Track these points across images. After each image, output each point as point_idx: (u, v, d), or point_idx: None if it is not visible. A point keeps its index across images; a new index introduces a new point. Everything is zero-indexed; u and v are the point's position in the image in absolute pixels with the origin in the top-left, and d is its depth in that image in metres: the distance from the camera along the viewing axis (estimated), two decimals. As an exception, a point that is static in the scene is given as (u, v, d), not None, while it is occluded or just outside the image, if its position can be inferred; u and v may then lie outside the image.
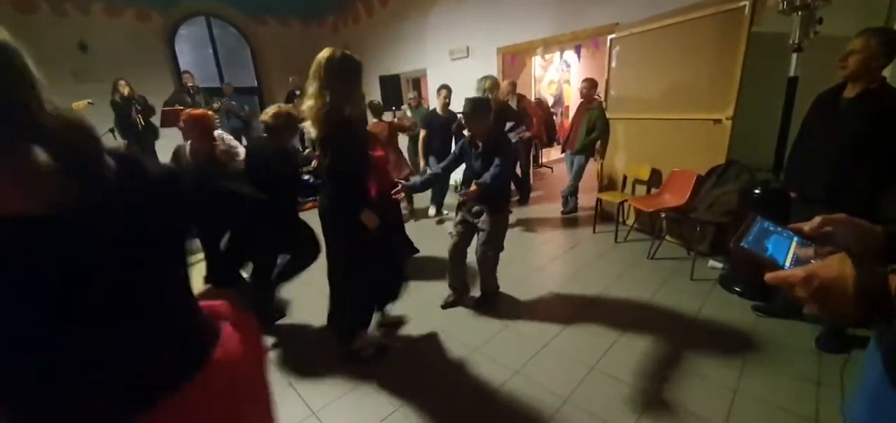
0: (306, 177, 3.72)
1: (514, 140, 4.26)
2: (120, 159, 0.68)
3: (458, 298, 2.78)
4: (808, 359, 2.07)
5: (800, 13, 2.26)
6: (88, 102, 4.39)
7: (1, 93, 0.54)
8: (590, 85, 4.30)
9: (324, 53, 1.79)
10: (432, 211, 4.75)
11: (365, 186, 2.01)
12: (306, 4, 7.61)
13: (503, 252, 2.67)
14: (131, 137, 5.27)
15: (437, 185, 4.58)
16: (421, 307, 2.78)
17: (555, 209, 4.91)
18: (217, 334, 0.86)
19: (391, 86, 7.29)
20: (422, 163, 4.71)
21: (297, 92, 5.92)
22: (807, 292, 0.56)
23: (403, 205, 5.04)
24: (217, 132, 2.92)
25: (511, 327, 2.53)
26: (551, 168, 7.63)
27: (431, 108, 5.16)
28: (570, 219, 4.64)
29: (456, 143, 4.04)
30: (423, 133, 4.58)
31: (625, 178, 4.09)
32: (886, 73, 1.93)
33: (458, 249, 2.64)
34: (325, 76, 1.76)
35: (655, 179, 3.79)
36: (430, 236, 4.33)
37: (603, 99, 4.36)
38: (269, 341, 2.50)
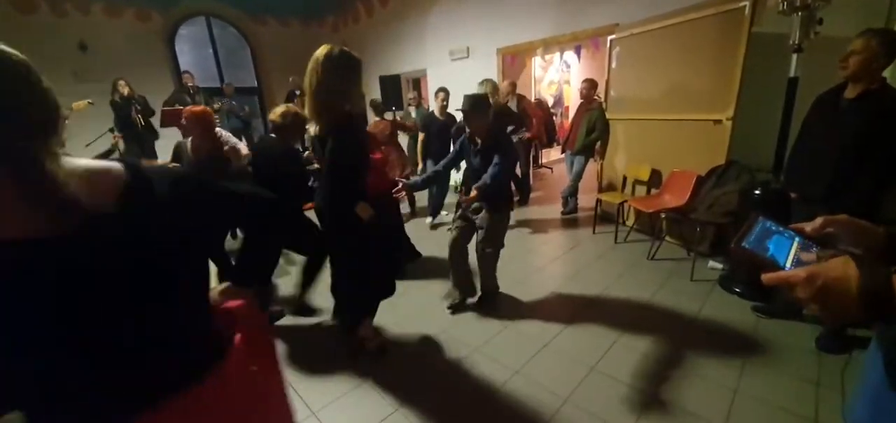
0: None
1: (513, 141, 4.25)
2: (127, 176, 0.68)
3: (464, 298, 2.77)
4: (808, 360, 2.07)
5: (800, 14, 2.26)
6: (88, 103, 4.38)
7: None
8: (590, 85, 4.30)
9: (321, 50, 1.78)
10: (429, 220, 4.61)
11: (363, 182, 2.01)
12: (306, 4, 7.61)
13: (504, 251, 2.67)
14: (131, 137, 5.27)
15: (438, 183, 4.58)
16: (421, 307, 2.78)
17: (555, 210, 4.91)
18: (230, 338, 0.87)
19: (391, 86, 7.29)
20: (420, 165, 4.70)
21: (297, 92, 5.92)
22: (810, 293, 0.56)
23: (404, 205, 5.05)
24: (216, 130, 2.92)
25: (511, 327, 2.53)
26: (551, 169, 7.63)
27: (430, 110, 5.15)
28: (569, 219, 4.64)
29: (455, 144, 4.04)
30: (421, 136, 4.57)
31: (625, 178, 4.09)
32: (887, 73, 1.93)
33: (458, 244, 2.63)
34: (323, 72, 1.75)
35: (655, 179, 3.79)
36: (430, 236, 4.33)
37: (603, 99, 4.36)
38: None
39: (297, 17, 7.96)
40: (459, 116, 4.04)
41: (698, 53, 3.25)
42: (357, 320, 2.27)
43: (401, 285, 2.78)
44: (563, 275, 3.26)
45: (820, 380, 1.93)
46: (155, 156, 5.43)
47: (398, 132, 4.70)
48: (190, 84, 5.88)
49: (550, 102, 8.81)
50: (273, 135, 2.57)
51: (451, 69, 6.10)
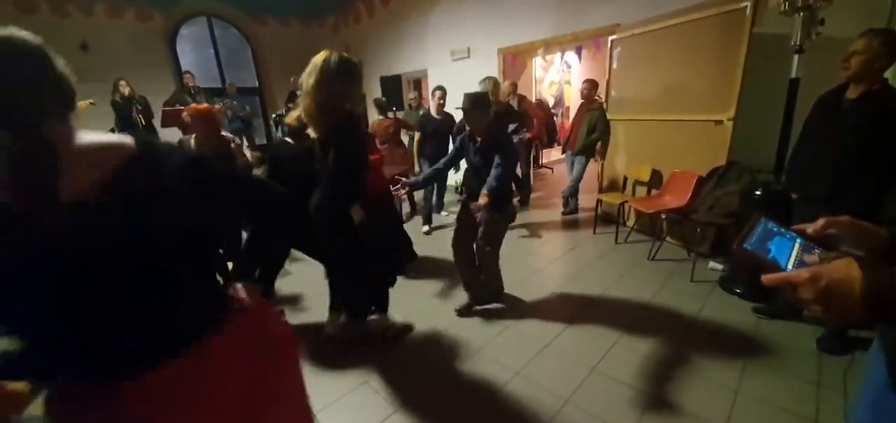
0: None
1: (514, 141, 4.24)
2: (136, 150, 0.72)
3: (472, 302, 2.71)
4: (809, 360, 2.07)
5: (801, 14, 2.25)
6: (90, 103, 4.39)
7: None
8: (590, 86, 4.30)
9: (320, 56, 1.79)
10: (425, 228, 4.47)
11: (363, 183, 2.02)
12: (307, 4, 7.60)
13: (504, 251, 2.66)
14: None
15: (438, 183, 4.56)
16: (421, 308, 2.78)
17: (555, 210, 4.92)
18: (240, 307, 0.92)
19: (392, 86, 7.28)
20: (416, 166, 4.68)
21: (298, 92, 5.90)
22: (813, 293, 0.56)
23: (405, 204, 5.05)
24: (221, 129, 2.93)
25: (512, 328, 2.53)
26: (552, 169, 7.63)
27: (425, 110, 5.11)
28: (570, 220, 4.64)
29: (454, 142, 4.02)
30: (417, 136, 4.52)
31: (625, 179, 4.08)
32: (888, 74, 1.93)
33: (459, 242, 2.62)
34: (322, 77, 1.76)
35: (656, 180, 3.78)
36: (430, 237, 4.33)
37: (604, 100, 4.36)
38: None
39: (297, 17, 7.96)
40: (457, 116, 4.04)
41: (699, 54, 3.24)
42: (363, 313, 2.37)
43: (401, 286, 2.80)
44: (563, 275, 3.25)
45: (821, 381, 1.92)
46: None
47: (402, 130, 4.69)
48: (191, 84, 5.89)
49: (551, 102, 8.82)
50: (288, 139, 2.59)
51: (451, 69, 6.09)
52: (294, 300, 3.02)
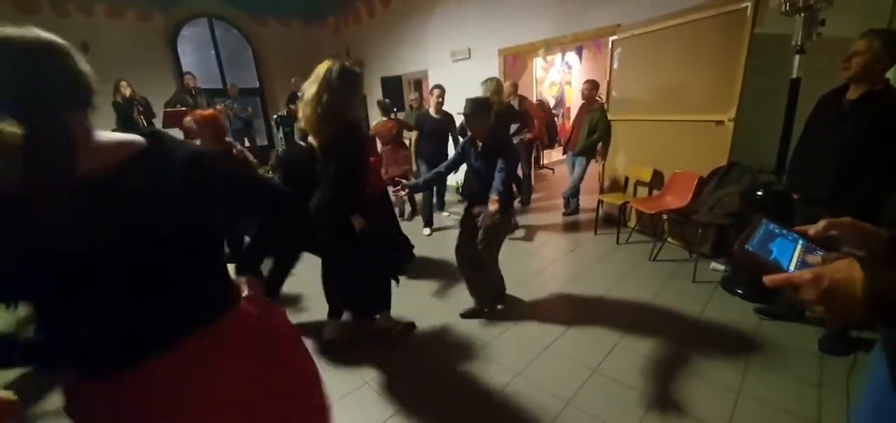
0: None
1: (515, 142, 4.24)
2: (146, 144, 0.77)
3: (477, 307, 2.69)
4: (811, 361, 2.06)
5: (802, 15, 2.25)
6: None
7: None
8: (591, 86, 4.30)
9: (323, 66, 1.85)
10: (426, 230, 4.39)
11: (364, 186, 2.04)
12: (307, 5, 7.61)
13: (503, 252, 2.65)
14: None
15: (438, 185, 4.55)
16: (422, 308, 2.78)
17: (556, 211, 4.91)
18: (241, 296, 0.95)
19: (393, 87, 7.29)
20: (413, 167, 4.67)
21: (300, 93, 5.92)
22: (816, 294, 0.56)
23: (406, 204, 5.05)
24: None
25: (513, 329, 2.52)
26: (552, 170, 7.63)
27: (425, 110, 5.10)
28: (571, 221, 4.63)
29: (456, 145, 4.02)
30: (414, 135, 4.48)
31: (626, 179, 4.08)
32: (889, 75, 1.93)
33: (462, 247, 2.62)
34: (324, 88, 1.82)
35: (657, 180, 3.78)
36: (429, 238, 4.32)
37: (604, 100, 4.36)
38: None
39: (298, 17, 7.96)
40: (457, 116, 4.03)
41: (700, 54, 3.24)
42: (368, 314, 2.41)
43: (401, 286, 2.79)
44: (564, 276, 3.25)
45: (823, 382, 1.92)
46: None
47: (404, 131, 4.69)
48: (192, 85, 5.90)
49: (552, 102, 8.82)
50: (302, 142, 2.61)
51: (452, 70, 6.10)
52: (294, 300, 3.02)
